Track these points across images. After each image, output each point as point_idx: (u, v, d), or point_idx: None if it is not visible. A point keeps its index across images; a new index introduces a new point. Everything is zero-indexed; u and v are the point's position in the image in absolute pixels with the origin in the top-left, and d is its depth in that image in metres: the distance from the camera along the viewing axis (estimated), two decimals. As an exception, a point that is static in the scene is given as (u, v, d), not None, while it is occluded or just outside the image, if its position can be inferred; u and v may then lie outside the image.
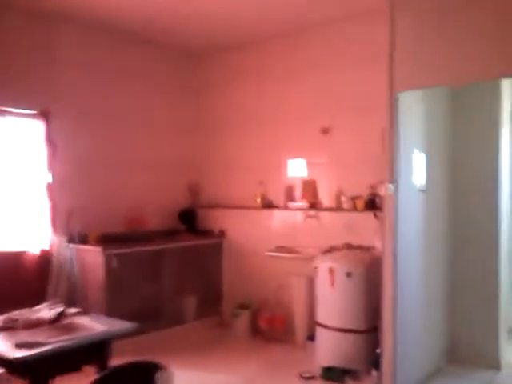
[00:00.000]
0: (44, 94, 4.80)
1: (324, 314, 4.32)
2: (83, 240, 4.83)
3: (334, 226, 4.84)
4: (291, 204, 5.21)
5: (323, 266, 4.32)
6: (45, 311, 3.19)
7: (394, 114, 3.60)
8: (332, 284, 4.23)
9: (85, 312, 3.39)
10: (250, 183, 5.56)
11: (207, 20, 4.99)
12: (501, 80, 4.22)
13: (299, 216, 5.14)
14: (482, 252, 4.36)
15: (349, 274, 4.17)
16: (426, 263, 4.14)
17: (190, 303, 5.37)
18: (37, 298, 3.99)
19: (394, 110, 3.60)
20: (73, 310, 3.28)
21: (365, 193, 4.66)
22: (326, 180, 5.05)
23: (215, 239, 5.75)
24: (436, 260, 4.35)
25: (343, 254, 4.43)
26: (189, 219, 5.86)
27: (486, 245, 4.35)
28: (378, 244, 4.11)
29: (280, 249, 5.21)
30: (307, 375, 4.17)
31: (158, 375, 2.38)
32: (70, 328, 2.81)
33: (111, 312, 4.40)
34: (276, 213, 5.35)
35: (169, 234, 5.61)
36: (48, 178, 4.81)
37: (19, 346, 2.51)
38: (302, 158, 5.23)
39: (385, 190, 3.67)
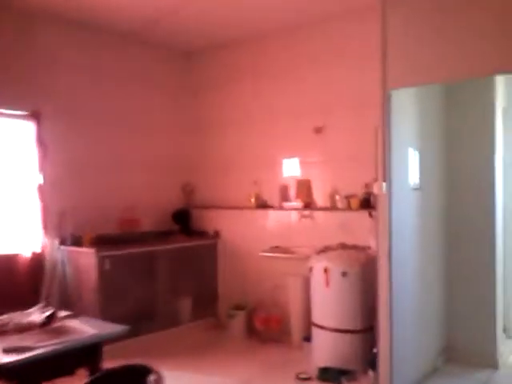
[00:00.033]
0: (35, 94, 4.75)
1: (320, 315, 4.30)
2: (76, 242, 4.79)
3: (329, 226, 4.81)
4: (286, 204, 5.17)
5: (318, 265, 4.29)
6: (36, 315, 3.14)
7: (387, 111, 3.57)
8: (327, 284, 4.20)
9: (76, 315, 3.34)
10: (245, 183, 5.52)
11: (204, 19, 4.96)
12: (494, 77, 4.20)
13: (294, 216, 5.11)
14: (477, 250, 4.34)
15: (344, 274, 4.14)
16: (422, 262, 4.11)
17: (185, 305, 5.33)
18: (29, 301, 3.94)
19: (387, 108, 3.57)
20: (63, 313, 3.23)
21: (359, 192, 4.63)
22: (321, 179, 5.02)
23: (210, 240, 5.71)
24: (431, 258, 4.32)
25: (338, 253, 4.40)
26: (183, 220, 5.82)
27: (481, 243, 4.32)
28: (372, 243, 4.08)
29: (275, 249, 5.17)
30: (303, 376, 4.13)
31: (150, 378, 2.35)
32: (61, 331, 2.77)
33: (105, 314, 4.37)
34: (270, 213, 5.32)
35: (163, 235, 5.57)
36: (39, 179, 4.76)
37: (7, 351, 2.47)
38: (295, 157, 5.20)
39: (378, 189, 3.64)
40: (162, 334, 5.01)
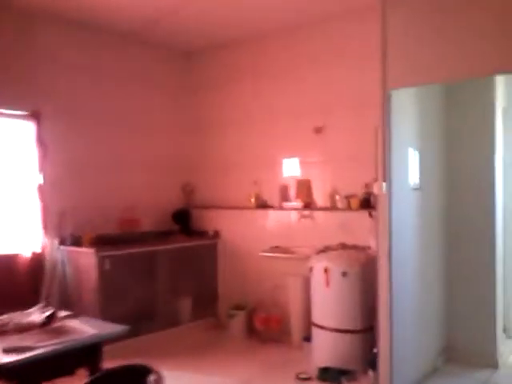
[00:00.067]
0: (35, 94, 4.75)
1: (320, 314, 4.29)
2: (76, 242, 4.79)
3: (329, 226, 4.81)
4: (286, 204, 5.17)
5: (318, 265, 4.29)
6: (36, 315, 3.14)
7: (387, 111, 3.57)
8: (327, 284, 4.19)
9: (76, 315, 3.34)
10: (245, 183, 5.52)
11: (204, 19, 4.96)
12: (494, 77, 4.20)
13: (294, 216, 5.11)
14: (477, 250, 4.33)
15: (344, 274, 4.14)
16: (422, 262, 4.10)
17: (185, 305, 5.33)
18: (29, 301, 3.94)
19: (387, 108, 3.56)
20: (63, 313, 3.23)
21: (359, 192, 4.63)
22: (321, 179, 5.02)
23: (210, 240, 5.71)
24: (431, 258, 4.32)
25: (338, 253, 4.39)
26: (183, 220, 5.82)
27: (481, 243, 4.32)
28: (372, 243, 4.08)
29: (275, 249, 5.17)
30: (303, 376, 4.13)
31: (150, 378, 2.35)
32: (60, 332, 2.77)
33: (105, 314, 4.37)
34: (270, 213, 5.32)
35: (163, 235, 5.56)
36: (39, 179, 4.76)
37: (7, 351, 2.47)
38: (295, 157, 5.19)
39: (378, 189, 3.63)
40: (162, 334, 5.01)
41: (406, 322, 3.82)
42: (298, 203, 5.06)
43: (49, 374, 2.69)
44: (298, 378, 4.12)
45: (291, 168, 5.23)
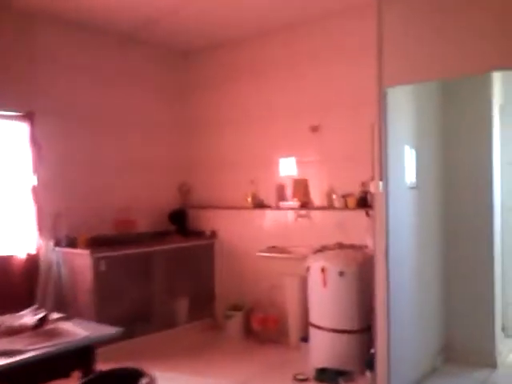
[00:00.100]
0: (29, 95, 4.71)
1: (317, 315, 4.26)
2: (71, 243, 4.76)
3: (326, 225, 4.77)
4: (282, 203, 5.13)
5: (315, 265, 4.25)
6: (28, 317, 3.11)
7: (383, 109, 3.53)
8: (324, 284, 4.16)
9: (71, 317, 3.30)
10: (241, 183, 5.49)
11: (201, 18, 4.93)
12: (491, 73, 4.16)
13: (291, 215, 5.07)
14: (475, 249, 4.30)
15: (341, 274, 4.10)
16: (419, 260, 4.07)
17: (182, 306, 5.29)
18: (24, 303, 3.92)
19: (383, 106, 3.53)
20: (56, 316, 3.19)
21: (356, 191, 4.60)
22: (317, 178, 4.99)
23: (206, 240, 5.67)
24: (429, 257, 4.28)
25: (335, 253, 4.36)
26: (179, 220, 5.78)
27: (479, 241, 4.29)
28: (370, 242, 4.05)
29: (272, 249, 5.13)
30: (301, 377, 4.10)
31: (142, 382, 2.31)
32: (53, 334, 2.73)
33: (100, 316, 4.35)
34: (267, 212, 5.28)
35: (159, 236, 5.53)
36: (33, 180, 4.72)
37: (-3, 354, 2.43)
38: (292, 156, 5.16)
39: (375, 188, 3.60)
40: (158, 336, 4.98)
41: (404, 322, 3.78)
42: (295, 202, 5.02)
43: (41, 378, 2.65)
44: (295, 378, 4.08)
45: (288, 167, 5.20)
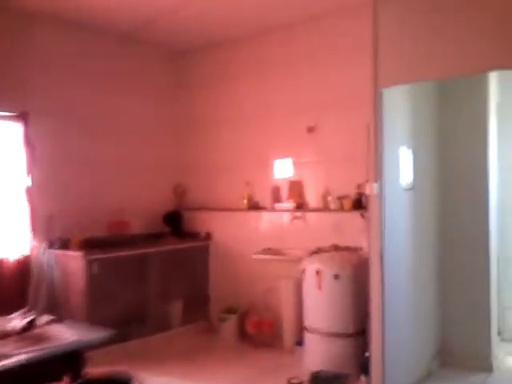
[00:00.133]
0: (23, 95, 4.66)
1: (312, 318, 4.21)
2: (65, 245, 4.71)
3: (321, 227, 4.72)
4: (278, 205, 5.09)
5: (310, 268, 4.21)
6: (17, 320, 3.06)
7: (379, 109, 3.49)
8: (319, 286, 4.11)
9: (62, 319, 3.26)
10: (237, 184, 5.44)
11: (199, 18, 4.89)
12: (487, 73, 4.13)
13: (286, 217, 5.03)
14: (471, 252, 4.26)
15: (336, 276, 4.06)
16: (415, 263, 4.03)
17: (176, 308, 5.24)
18: (17, 305, 3.87)
19: (379, 106, 3.49)
20: (46, 319, 3.14)
21: (352, 192, 4.55)
22: (313, 179, 4.94)
23: (201, 242, 5.62)
24: (425, 260, 4.24)
25: (330, 255, 4.32)
26: (174, 222, 5.73)
27: (475, 244, 4.24)
28: (365, 244, 4.00)
29: (267, 251, 5.08)
30: (295, 381, 4.03)
31: (130, 387, 2.28)
32: (40, 338, 2.68)
33: (93, 318, 4.30)
34: (263, 214, 5.23)
35: (153, 238, 5.47)
36: (27, 181, 4.67)
37: (-18, 358, 2.38)
38: (288, 157, 5.11)
39: (370, 189, 3.55)
40: (151, 339, 4.91)
41: (399, 325, 3.74)
42: (291, 204, 4.97)
43: (29, 382, 2.61)
44: (289, 382, 4.02)
45: (283, 168, 5.15)
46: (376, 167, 3.51)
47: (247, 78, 5.46)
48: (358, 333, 3.99)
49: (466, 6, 3.20)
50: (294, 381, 4.03)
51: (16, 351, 2.43)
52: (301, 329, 4.40)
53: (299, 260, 4.48)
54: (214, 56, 5.75)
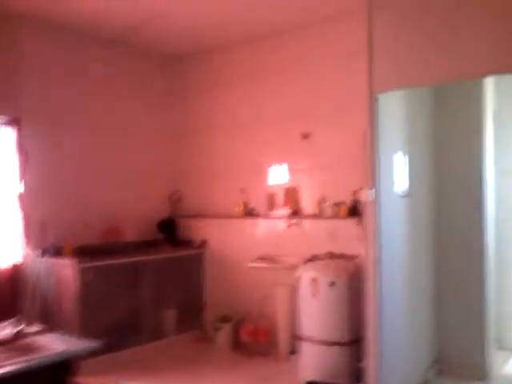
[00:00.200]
0: (15, 100, 4.62)
1: (307, 326, 4.16)
2: (58, 253, 4.65)
3: (317, 234, 4.68)
4: (273, 212, 5.04)
5: (306, 275, 4.16)
6: (7, 330, 2.99)
7: (374, 115, 3.46)
8: (315, 294, 4.06)
9: (53, 328, 3.20)
10: (232, 191, 5.40)
11: (192, 22, 4.87)
12: (483, 78, 4.11)
13: (281, 224, 4.98)
14: (467, 259, 4.23)
15: (332, 284, 4.01)
16: (411, 270, 3.99)
17: (170, 317, 5.18)
18: (8, 314, 3.80)
19: (374, 112, 3.46)
20: (36, 328, 3.08)
21: (348, 199, 4.51)
22: (309, 186, 4.90)
23: (196, 250, 5.57)
24: (421, 267, 4.21)
25: (326, 263, 4.27)
26: (169, 229, 5.67)
27: (471, 251, 4.22)
28: (361, 252, 3.96)
29: (263, 258, 5.03)
30: (290, 390, 3.99)
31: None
32: (28, 349, 2.62)
33: (86, 327, 4.26)
34: (258, 221, 5.18)
35: (147, 245, 5.42)
36: (19, 188, 4.62)
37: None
38: (283, 164, 5.07)
39: (365, 196, 3.52)
40: (145, 348, 4.86)
41: (395, 333, 3.69)
42: (286, 211, 4.93)
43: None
44: (284, 392, 3.98)
45: (279, 175, 5.11)
46: (372, 173, 3.47)
47: (241, 84, 5.43)
48: (354, 341, 3.94)
49: (462, 11, 3.17)
50: (289, 390, 3.99)
51: (2, 363, 2.37)
52: (296, 337, 4.35)
53: (295, 267, 4.43)
54: (208, 62, 5.73)
